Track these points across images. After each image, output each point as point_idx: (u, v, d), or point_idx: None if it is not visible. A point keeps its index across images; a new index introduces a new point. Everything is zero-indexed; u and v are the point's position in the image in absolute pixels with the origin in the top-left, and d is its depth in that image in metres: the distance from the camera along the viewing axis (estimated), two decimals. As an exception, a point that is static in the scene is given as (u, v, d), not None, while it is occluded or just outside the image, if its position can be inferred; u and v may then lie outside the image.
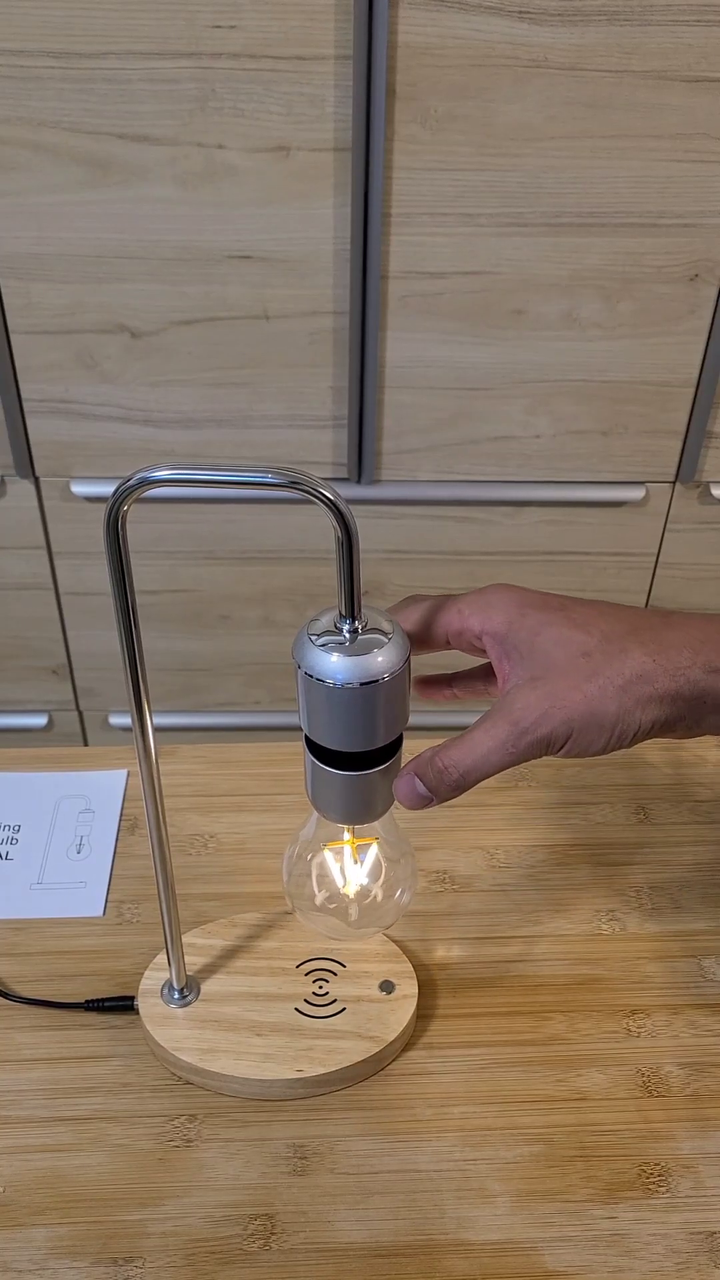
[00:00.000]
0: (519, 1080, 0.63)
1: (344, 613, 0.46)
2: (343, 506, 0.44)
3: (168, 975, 0.64)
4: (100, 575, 1.27)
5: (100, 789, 0.78)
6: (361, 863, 0.57)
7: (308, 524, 1.31)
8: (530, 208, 1.12)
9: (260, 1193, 0.58)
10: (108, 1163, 0.59)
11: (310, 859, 0.58)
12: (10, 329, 1.17)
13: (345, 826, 0.55)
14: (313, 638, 0.47)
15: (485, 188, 1.10)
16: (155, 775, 0.56)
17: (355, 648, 0.46)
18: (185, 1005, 0.64)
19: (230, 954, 0.67)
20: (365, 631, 0.47)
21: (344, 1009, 0.64)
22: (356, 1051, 0.62)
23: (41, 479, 1.28)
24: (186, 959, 0.65)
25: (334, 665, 0.46)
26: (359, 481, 1.29)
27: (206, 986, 0.65)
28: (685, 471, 1.30)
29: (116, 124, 1.05)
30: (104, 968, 0.68)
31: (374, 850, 0.57)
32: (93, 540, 1.32)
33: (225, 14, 1.00)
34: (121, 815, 0.77)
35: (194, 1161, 0.59)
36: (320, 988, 0.65)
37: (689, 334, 1.20)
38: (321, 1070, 0.61)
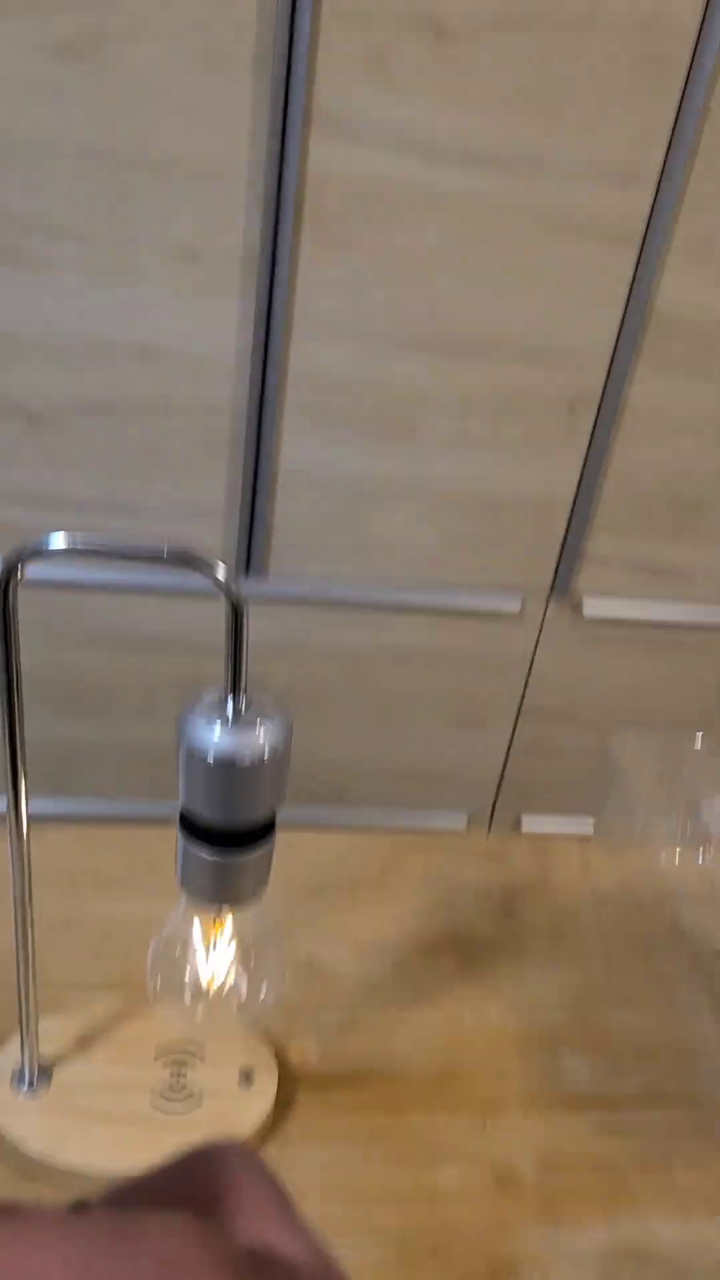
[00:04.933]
0: (374, 1176, 0.62)
1: (229, 689, 0.47)
2: (230, 580, 0.45)
3: (17, 1061, 0.62)
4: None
5: None
6: (226, 952, 0.57)
7: (195, 614, 1.32)
8: (425, 330, 1.18)
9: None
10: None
11: (175, 945, 0.57)
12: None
13: (213, 911, 0.55)
14: (197, 711, 0.47)
15: (384, 307, 1.16)
16: (25, 853, 0.55)
17: (238, 723, 0.47)
18: (34, 1094, 0.62)
19: (86, 1041, 0.65)
20: (250, 709, 0.48)
21: (200, 1105, 0.63)
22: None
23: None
24: (39, 1046, 0.63)
25: (215, 739, 0.46)
26: (246, 574, 1.31)
27: (59, 1074, 0.63)
28: (560, 586, 1.35)
29: (31, 215, 1.08)
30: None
31: (237, 941, 0.57)
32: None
33: (147, 122, 1.05)
34: None
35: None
36: (178, 1077, 0.64)
37: (567, 457, 1.27)
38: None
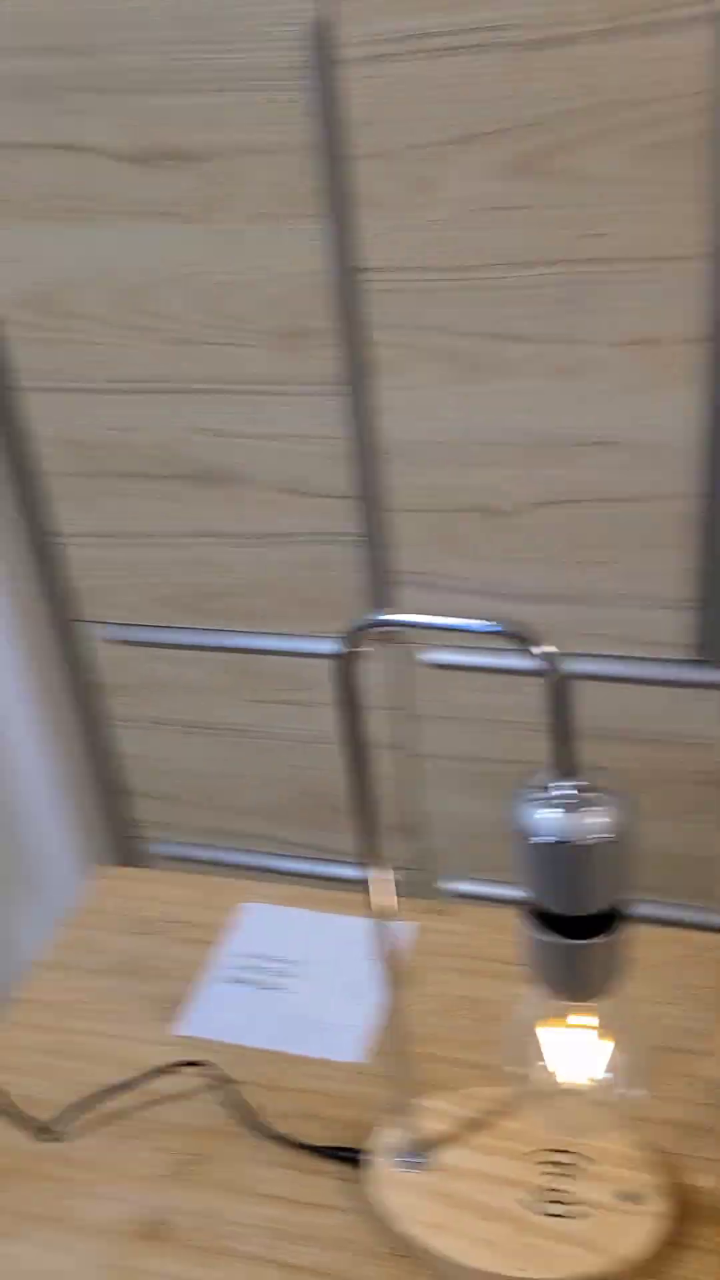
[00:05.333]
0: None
1: (558, 770, 0.45)
2: (552, 658, 0.44)
3: (401, 1134, 0.63)
4: (461, 739, 1.33)
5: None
6: (579, 1048, 0.54)
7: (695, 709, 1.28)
8: None
9: None
10: (313, 1320, 0.58)
11: (527, 1038, 0.55)
12: (384, 505, 1.28)
13: (563, 1005, 0.52)
14: (531, 791, 0.46)
15: None
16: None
17: (569, 804, 0.45)
18: (416, 1169, 0.62)
19: (471, 1125, 0.64)
20: (585, 791, 0.46)
21: (578, 1218, 0.59)
22: (585, 1264, 0.57)
23: (393, 646, 1.36)
24: (423, 1122, 0.64)
25: (541, 817, 0.45)
26: (713, 663, 1.24)
27: (440, 1154, 0.63)
28: None
29: (489, 326, 1.15)
30: (346, 1116, 0.68)
31: (594, 1035, 0.54)
32: (447, 705, 1.37)
33: (593, 225, 1.07)
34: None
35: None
36: (559, 1179, 0.60)
37: None
38: (544, 1275, 0.57)
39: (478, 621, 0.45)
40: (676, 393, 1.12)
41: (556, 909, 0.47)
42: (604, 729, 1.31)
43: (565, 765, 0.46)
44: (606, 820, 0.45)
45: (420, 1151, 0.62)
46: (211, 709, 1.50)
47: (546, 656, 0.44)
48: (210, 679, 1.48)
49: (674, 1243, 0.59)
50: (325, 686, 1.43)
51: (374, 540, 1.30)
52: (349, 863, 1.53)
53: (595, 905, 0.47)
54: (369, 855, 0.54)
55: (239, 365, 1.24)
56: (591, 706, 1.31)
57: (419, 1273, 0.59)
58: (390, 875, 0.54)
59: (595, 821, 0.45)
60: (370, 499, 1.27)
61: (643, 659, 1.26)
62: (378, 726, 1.42)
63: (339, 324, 1.17)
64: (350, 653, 0.48)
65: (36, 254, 1.23)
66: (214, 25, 1.08)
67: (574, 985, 0.50)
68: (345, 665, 0.48)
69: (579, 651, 1.28)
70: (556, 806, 0.45)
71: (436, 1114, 0.65)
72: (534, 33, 1.00)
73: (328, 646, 1.44)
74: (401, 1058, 0.67)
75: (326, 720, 1.43)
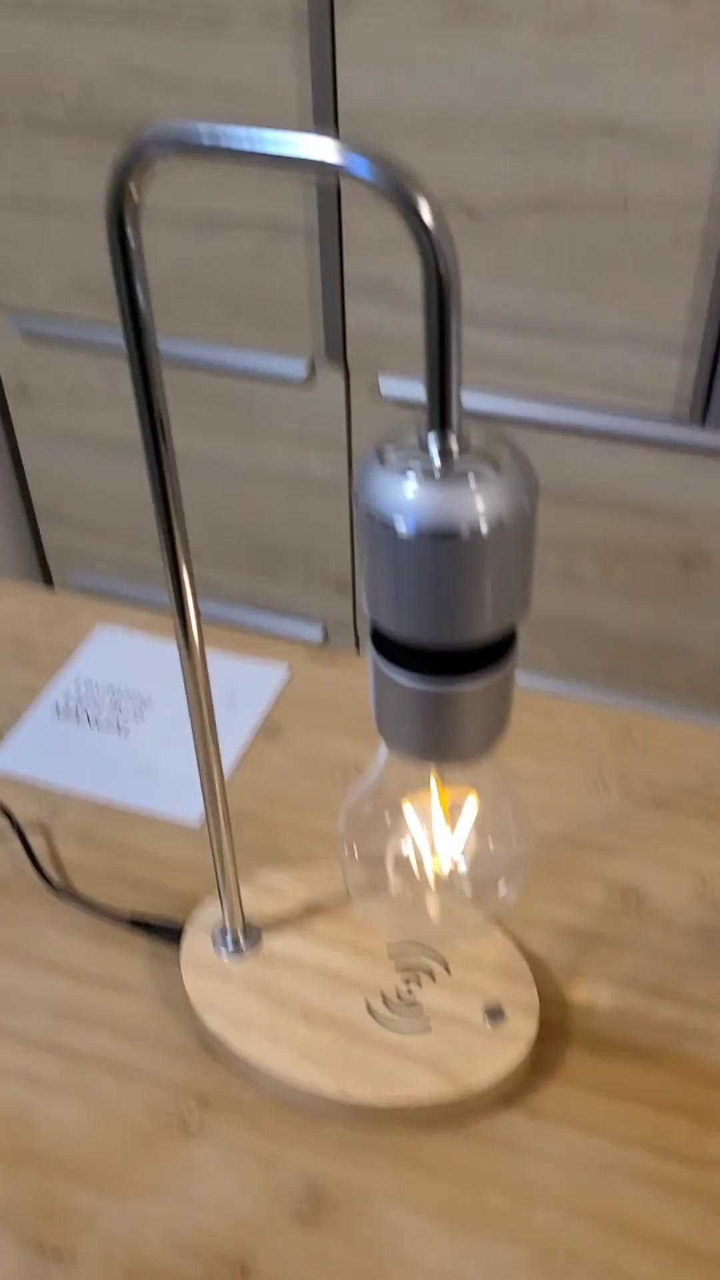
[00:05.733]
0: (645, 1204, 0.44)
1: (433, 423, 0.29)
2: (440, 232, 0.27)
3: (228, 910, 0.50)
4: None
5: (251, 681, 0.66)
6: (449, 827, 0.40)
7: (629, 469, 1.11)
8: None
9: (246, 1232, 0.43)
10: (85, 1122, 0.47)
11: (373, 816, 0.41)
12: (342, 199, 1.06)
13: (425, 768, 0.38)
14: (385, 458, 0.30)
15: None
16: (198, 660, 0.42)
17: (447, 477, 0.29)
18: (237, 956, 0.50)
19: (314, 909, 0.52)
20: (465, 455, 0.30)
21: (428, 1030, 0.47)
22: (426, 1089, 0.45)
23: (352, 372, 1.17)
24: (258, 901, 0.51)
25: (410, 499, 0.29)
26: (702, 424, 1.07)
27: (269, 941, 0.50)
28: None
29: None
30: (178, 886, 0.56)
31: (470, 810, 0.40)
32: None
33: None
34: (266, 717, 0.64)
35: (183, 1159, 0.46)
36: (409, 987, 0.49)
37: None
38: (371, 1099, 0.45)
39: (305, 135, 0.27)
40: (710, 70, 0.90)
41: (415, 634, 0.32)
42: (578, 490, 1.14)
43: (443, 416, 0.29)
44: (497, 501, 0.29)
45: (248, 934, 0.50)
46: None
47: (430, 228, 0.27)
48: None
49: (541, 1068, 0.47)
50: (272, 414, 1.25)
51: (325, 237, 1.09)
52: (288, 615, 1.40)
53: (473, 631, 0.31)
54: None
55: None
56: (567, 462, 1.14)
57: (224, 1076, 0.48)
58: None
59: (478, 501, 0.29)
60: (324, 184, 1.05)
61: (630, 414, 1.08)
62: (334, 466, 1.25)
63: None
64: (124, 202, 0.30)
65: None
66: None
67: (436, 744, 0.35)
68: (118, 222, 0.31)
69: (559, 397, 1.09)
70: (423, 478, 0.29)
71: (275, 892, 0.52)
72: None
73: (277, 367, 1.24)
74: (237, 819, 0.54)
75: (275, 456, 1.26)
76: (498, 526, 0.29)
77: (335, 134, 0.27)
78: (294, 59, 0.99)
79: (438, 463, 0.30)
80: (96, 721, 0.64)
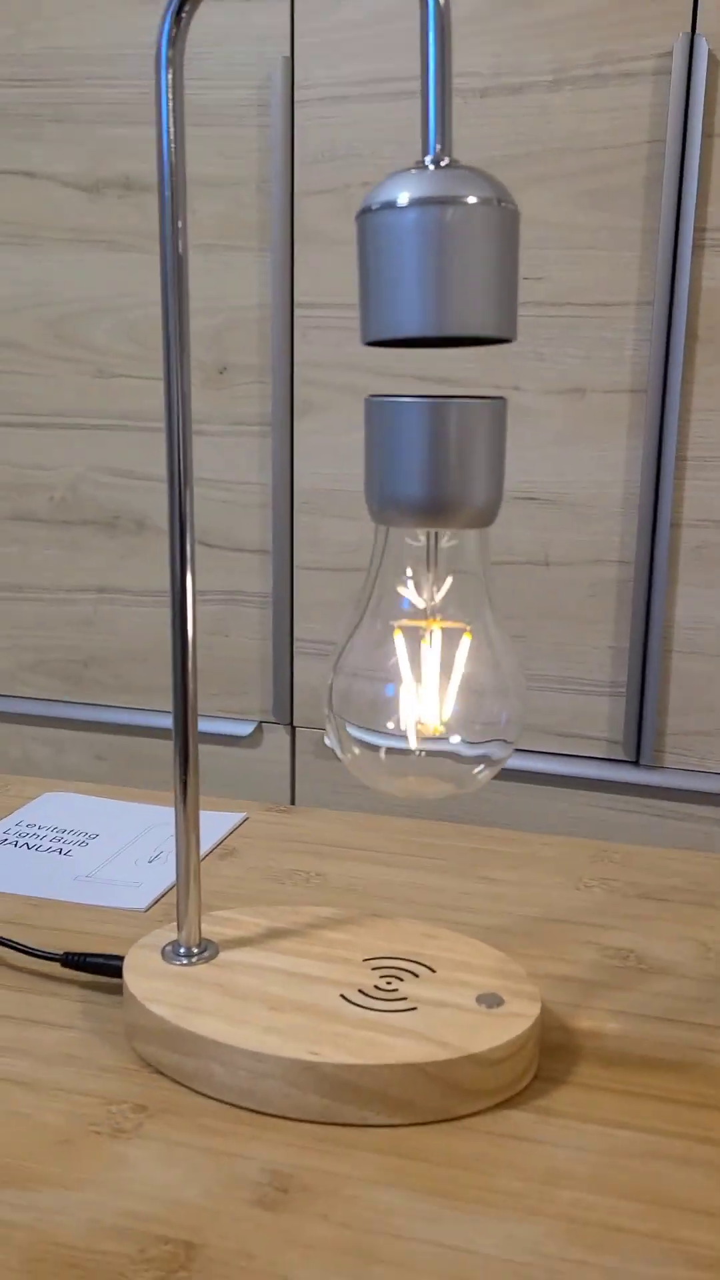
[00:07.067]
0: (696, 1181, 0.35)
1: (431, 144, 0.34)
2: None
3: (175, 934, 0.44)
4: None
5: (210, 826, 0.62)
6: (441, 654, 0.38)
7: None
8: None
9: (191, 1214, 0.33)
10: (-11, 1121, 0.37)
11: (360, 652, 0.39)
12: (295, 564, 1.19)
13: (419, 530, 0.37)
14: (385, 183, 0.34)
15: None
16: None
17: (441, 173, 0.33)
18: (188, 964, 0.43)
19: (280, 934, 0.45)
20: (456, 164, 0.34)
21: (414, 1008, 0.40)
22: (411, 1052, 0.38)
23: (298, 728, 1.22)
24: (220, 928, 0.45)
25: (411, 180, 0.33)
26: (636, 763, 1.11)
27: (227, 953, 0.44)
28: None
29: (415, 368, 1.12)
30: (119, 950, 0.49)
31: (465, 644, 0.38)
32: (337, 797, 1.21)
33: (534, 268, 1.07)
34: (220, 844, 0.60)
35: (114, 1155, 0.36)
36: (388, 982, 0.42)
37: None
38: (348, 1058, 0.37)
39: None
40: (610, 446, 1.08)
41: (407, 329, 0.34)
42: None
43: (440, 134, 0.34)
44: (483, 186, 0.34)
45: (203, 948, 0.44)
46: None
47: None
48: (89, 767, 1.31)
49: (545, 1078, 0.40)
50: (225, 778, 1.26)
51: (278, 603, 1.20)
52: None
53: (467, 317, 0.33)
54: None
55: (160, 400, 1.19)
56: (513, 809, 1.15)
57: (167, 1087, 0.39)
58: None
59: (470, 182, 0.34)
60: (279, 554, 1.19)
61: (566, 757, 1.12)
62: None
63: (274, 360, 1.14)
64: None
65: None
66: (189, 63, 1.13)
67: (439, 497, 0.35)
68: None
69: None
70: (421, 169, 0.34)
71: (233, 922, 0.46)
72: (483, 81, 1.06)
73: (227, 729, 1.28)
74: (192, 894, 0.49)
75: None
76: (487, 201, 0.33)
77: None
78: (258, 455, 1.17)
79: (432, 168, 0.34)
80: (37, 848, 0.59)
